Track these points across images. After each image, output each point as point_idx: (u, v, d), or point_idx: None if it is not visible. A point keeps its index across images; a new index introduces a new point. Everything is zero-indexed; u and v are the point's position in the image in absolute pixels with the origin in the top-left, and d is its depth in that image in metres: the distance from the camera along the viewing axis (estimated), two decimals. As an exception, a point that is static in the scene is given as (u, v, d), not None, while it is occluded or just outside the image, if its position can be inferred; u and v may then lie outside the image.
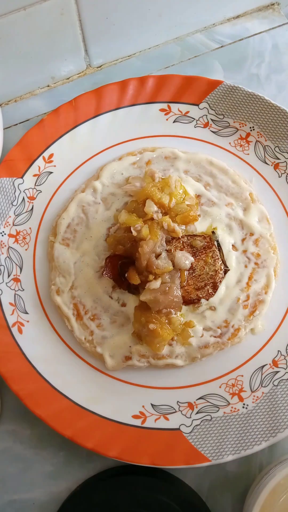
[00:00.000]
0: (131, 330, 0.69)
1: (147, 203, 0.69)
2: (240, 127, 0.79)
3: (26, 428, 0.70)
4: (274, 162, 0.77)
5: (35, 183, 0.77)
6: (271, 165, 0.77)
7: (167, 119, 0.80)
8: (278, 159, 0.77)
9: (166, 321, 0.66)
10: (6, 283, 0.73)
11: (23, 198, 0.77)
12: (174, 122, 0.80)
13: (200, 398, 0.67)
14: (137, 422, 0.66)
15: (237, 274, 0.72)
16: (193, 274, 0.69)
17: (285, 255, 0.74)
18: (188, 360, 0.69)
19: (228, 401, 0.67)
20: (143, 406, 0.67)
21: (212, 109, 0.80)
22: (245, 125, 0.79)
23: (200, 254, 0.70)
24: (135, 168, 0.77)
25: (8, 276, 0.73)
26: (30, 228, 0.76)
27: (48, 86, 0.89)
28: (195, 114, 0.80)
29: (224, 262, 0.71)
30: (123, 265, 0.69)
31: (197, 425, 0.65)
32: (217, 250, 0.71)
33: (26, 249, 0.75)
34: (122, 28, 0.83)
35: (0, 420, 0.70)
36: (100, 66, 0.90)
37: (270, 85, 0.86)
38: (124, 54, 0.90)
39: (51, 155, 0.78)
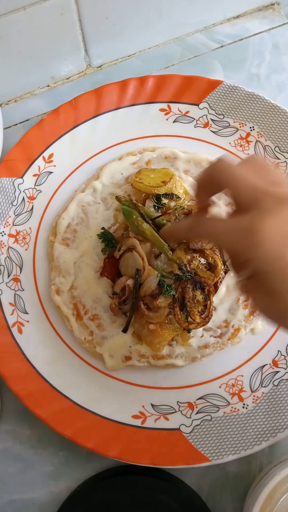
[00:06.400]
0: (131, 330, 0.69)
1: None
2: (240, 127, 0.79)
3: (26, 428, 0.70)
4: (274, 162, 0.77)
5: (35, 183, 0.77)
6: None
7: (167, 119, 0.80)
8: (278, 159, 0.77)
9: (166, 321, 0.66)
10: (6, 283, 0.73)
11: (23, 198, 0.77)
12: (174, 122, 0.80)
13: (200, 398, 0.67)
14: (137, 422, 0.66)
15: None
16: (193, 274, 0.69)
17: (285, 255, 0.73)
18: (188, 360, 0.69)
19: (228, 401, 0.67)
20: (143, 406, 0.67)
21: (212, 109, 0.80)
22: (245, 125, 0.79)
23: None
24: (135, 168, 0.77)
25: (8, 276, 0.73)
26: (30, 228, 0.76)
27: (48, 86, 0.89)
28: (195, 114, 0.80)
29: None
30: (122, 265, 0.69)
31: (197, 425, 0.65)
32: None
33: (26, 249, 0.75)
34: (122, 28, 0.83)
35: (0, 420, 0.70)
36: (100, 66, 0.90)
37: (270, 85, 0.86)
38: (124, 54, 0.90)
39: (51, 155, 0.78)
